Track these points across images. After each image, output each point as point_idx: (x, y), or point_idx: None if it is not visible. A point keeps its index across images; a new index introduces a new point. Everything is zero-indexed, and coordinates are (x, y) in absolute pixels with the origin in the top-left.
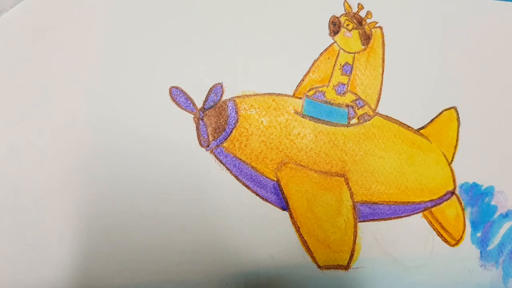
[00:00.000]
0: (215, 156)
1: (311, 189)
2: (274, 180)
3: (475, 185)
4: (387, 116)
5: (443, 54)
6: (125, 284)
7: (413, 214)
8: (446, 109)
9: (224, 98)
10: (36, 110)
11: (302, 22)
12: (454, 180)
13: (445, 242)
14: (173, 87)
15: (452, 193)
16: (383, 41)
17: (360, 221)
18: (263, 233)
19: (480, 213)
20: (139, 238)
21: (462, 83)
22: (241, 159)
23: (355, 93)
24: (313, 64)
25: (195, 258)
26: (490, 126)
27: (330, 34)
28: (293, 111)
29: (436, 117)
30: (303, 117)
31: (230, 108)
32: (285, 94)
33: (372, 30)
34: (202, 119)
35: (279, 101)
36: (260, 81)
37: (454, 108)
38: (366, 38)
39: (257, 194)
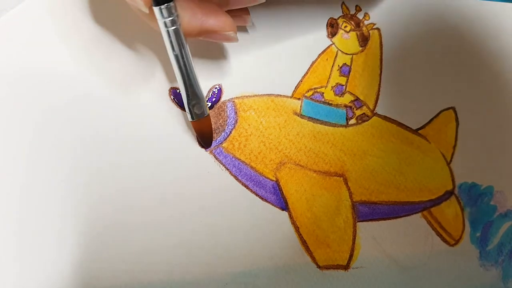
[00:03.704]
0: (215, 156)
1: (310, 189)
2: (273, 180)
3: (474, 185)
4: (385, 117)
5: (442, 54)
6: (124, 284)
7: (412, 214)
8: (444, 110)
9: (223, 99)
10: (35, 111)
11: (300, 24)
12: (453, 180)
13: (444, 242)
14: (173, 87)
15: (451, 193)
16: (381, 42)
17: (359, 221)
18: (263, 233)
19: (479, 213)
20: (138, 238)
21: (460, 84)
22: (240, 159)
23: (354, 94)
24: (311, 65)
25: (195, 258)
26: (489, 126)
27: (328, 36)
28: (292, 111)
29: (434, 117)
30: (301, 118)
31: (229, 108)
32: (284, 95)
33: (370, 31)
34: None
35: (278, 102)
36: (259, 82)
37: (453, 108)
38: (364, 40)
39: (256, 194)
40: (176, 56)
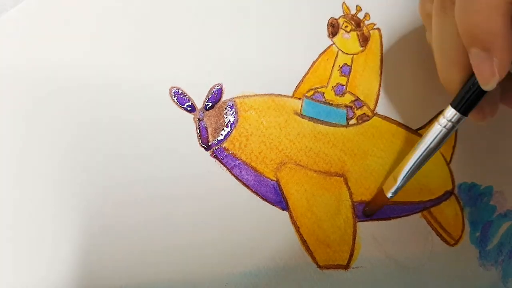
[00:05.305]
0: (215, 156)
1: (310, 189)
2: (274, 180)
3: (473, 185)
4: (385, 117)
5: None
6: (125, 284)
7: (412, 214)
8: (443, 110)
9: (224, 98)
10: (36, 111)
11: (300, 24)
12: (452, 180)
13: (444, 241)
14: (173, 87)
15: (451, 193)
16: (381, 42)
17: (359, 221)
18: (263, 233)
19: (479, 213)
20: (139, 238)
21: None
22: (241, 159)
23: (354, 94)
24: (312, 65)
25: (195, 258)
26: (488, 126)
27: (328, 36)
28: (292, 111)
29: (434, 117)
30: (302, 118)
31: (230, 108)
32: (285, 95)
33: (371, 31)
34: (202, 120)
35: (278, 102)
36: (259, 82)
37: None
38: (364, 40)
39: (257, 194)
40: (427, 150)
